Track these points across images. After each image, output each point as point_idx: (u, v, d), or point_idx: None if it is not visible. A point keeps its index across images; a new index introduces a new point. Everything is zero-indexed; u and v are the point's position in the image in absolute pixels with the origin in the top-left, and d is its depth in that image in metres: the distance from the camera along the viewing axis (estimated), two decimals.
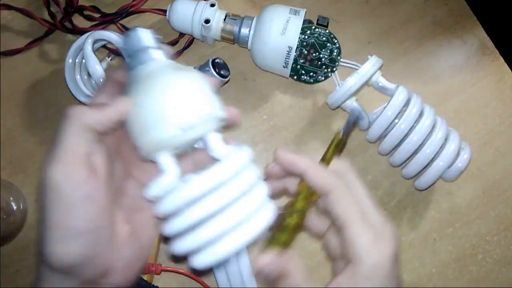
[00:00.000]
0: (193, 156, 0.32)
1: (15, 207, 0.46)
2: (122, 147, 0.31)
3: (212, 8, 0.47)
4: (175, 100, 0.28)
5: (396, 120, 0.45)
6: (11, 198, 0.46)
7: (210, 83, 0.30)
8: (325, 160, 0.33)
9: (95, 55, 0.45)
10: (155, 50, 0.30)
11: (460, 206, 0.50)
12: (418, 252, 0.48)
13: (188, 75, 0.29)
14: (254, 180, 0.29)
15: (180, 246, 0.28)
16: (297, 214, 0.31)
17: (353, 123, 0.34)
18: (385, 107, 0.45)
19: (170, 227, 0.28)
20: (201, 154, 0.31)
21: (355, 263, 0.29)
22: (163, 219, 0.28)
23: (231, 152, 0.29)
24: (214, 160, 0.29)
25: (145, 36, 0.30)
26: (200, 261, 0.28)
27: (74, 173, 0.26)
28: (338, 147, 0.33)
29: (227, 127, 0.32)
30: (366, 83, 0.46)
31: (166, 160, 0.29)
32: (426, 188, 0.47)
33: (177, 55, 0.50)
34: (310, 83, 0.48)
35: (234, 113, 0.31)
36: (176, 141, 0.28)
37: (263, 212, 0.29)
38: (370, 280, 0.28)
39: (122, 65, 0.31)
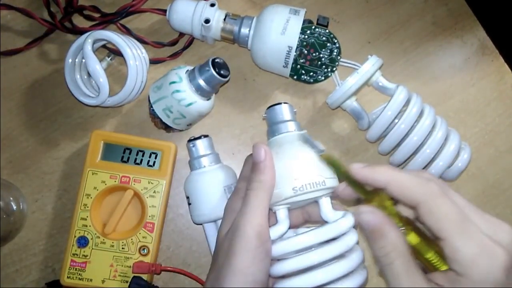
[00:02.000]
0: (307, 208, 0.39)
1: (14, 207, 0.46)
2: None
3: (212, 8, 0.47)
4: (293, 168, 0.35)
5: (396, 120, 0.45)
6: (11, 198, 0.46)
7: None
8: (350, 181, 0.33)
9: (95, 55, 0.44)
10: (291, 122, 0.39)
11: None
12: None
13: (310, 148, 0.36)
14: (352, 244, 0.35)
15: None
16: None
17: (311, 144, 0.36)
18: (385, 107, 0.45)
19: (275, 269, 0.34)
20: (313, 208, 0.38)
21: (459, 277, 0.27)
22: (274, 259, 0.34)
23: (337, 217, 0.36)
24: (322, 221, 0.37)
25: (285, 111, 0.39)
26: None
27: (263, 233, 0.33)
28: (335, 163, 0.34)
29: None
30: (366, 83, 0.46)
31: (281, 214, 0.37)
32: None
33: (176, 55, 0.51)
34: (310, 83, 0.48)
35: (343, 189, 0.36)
36: (289, 200, 0.35)
37: (355, 275, 0.34)
38: None
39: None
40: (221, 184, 0.43)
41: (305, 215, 0.40)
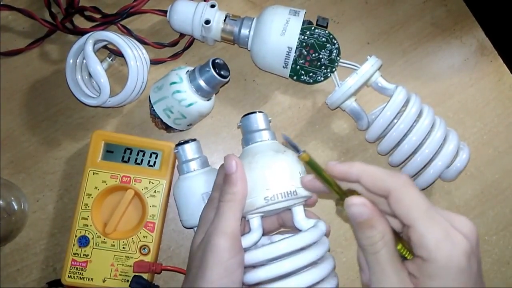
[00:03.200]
0: (281, 214, 0.40)
1: (16, 207, 0.46)
2: None
3: (212, 9, 0.47)
4: (265, 177, 0.36)
5: (395, 120, 0.45)
6: (12, 198, 0.46)
7: (301, 165, 0.37)
8: (329, 182, 0.32)
9: (96, 55, 0.45)
10: (265, 131, 0.40)
11: (459, 206, 0.50)
12: None
13: (282, 158, 0.37)
14: (323, 252, 0.36)
15: None
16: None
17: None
18: (384, 107, 0.45)
19: (249, 277, 0.35)
20: (287, 215, 0.39)
21: (425, 262, 0.28)
22: (248, 267, 0.35)
23: (309, 226, 0.37)
24: (295, 228, 0.38)
25: (260, 120, 0.40)
26: None
27: (235, 245, 0.34)
28: (314, 165, 0.32)
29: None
30: (365, 84, 0.47)
31: (254, 222, 0.37)
32: (425, 188, 0.47)
33: (177, 56, 0.51)
34: (310, 83, 0.48)
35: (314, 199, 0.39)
36: (261, 209, 0.36)
37: (326, 283, 0.35)
38: (442, 279, 0.28)
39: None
40: (202, 190, 0.42)
41: (280, 221, 0.41)
